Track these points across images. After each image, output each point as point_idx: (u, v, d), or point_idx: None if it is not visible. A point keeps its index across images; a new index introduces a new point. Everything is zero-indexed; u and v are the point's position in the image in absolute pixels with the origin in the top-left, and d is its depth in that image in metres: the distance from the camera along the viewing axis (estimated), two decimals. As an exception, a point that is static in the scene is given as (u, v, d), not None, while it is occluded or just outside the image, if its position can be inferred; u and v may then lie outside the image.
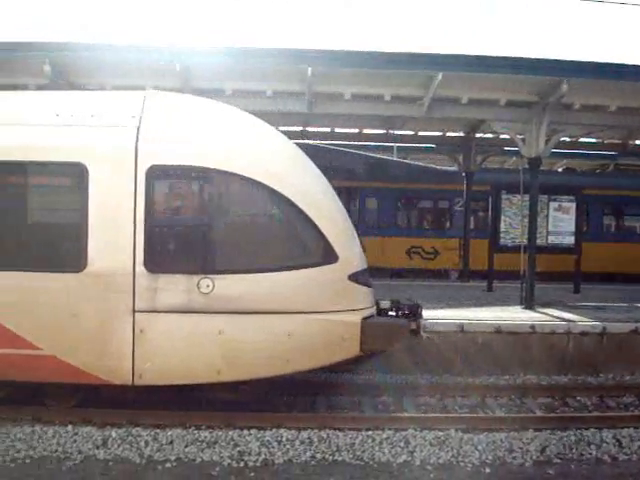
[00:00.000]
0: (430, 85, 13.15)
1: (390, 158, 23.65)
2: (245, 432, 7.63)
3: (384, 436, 7.59)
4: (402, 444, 7.38)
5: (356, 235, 8.65)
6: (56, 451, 7.08)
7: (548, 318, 12.44)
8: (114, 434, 7.46)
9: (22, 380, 8.23)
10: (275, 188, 8.06)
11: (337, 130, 19.66)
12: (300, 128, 18.28)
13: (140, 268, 7.85)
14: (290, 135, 14.56)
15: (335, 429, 7.79)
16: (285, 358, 8.07)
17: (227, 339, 7.98)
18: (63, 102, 8.72)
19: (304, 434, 7.60)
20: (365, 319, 8.27)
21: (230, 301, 7.94)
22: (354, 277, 8.31)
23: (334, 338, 8.20)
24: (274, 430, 7.70)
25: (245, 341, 8.01)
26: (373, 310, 8.59)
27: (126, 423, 7.90)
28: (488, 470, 6.78)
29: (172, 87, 13.02)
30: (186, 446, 7.26)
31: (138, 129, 8.05)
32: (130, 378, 8.00)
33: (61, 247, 8.15)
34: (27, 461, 6.89)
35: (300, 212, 8.08)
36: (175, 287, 7.91)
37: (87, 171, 7.85)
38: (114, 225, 7.90)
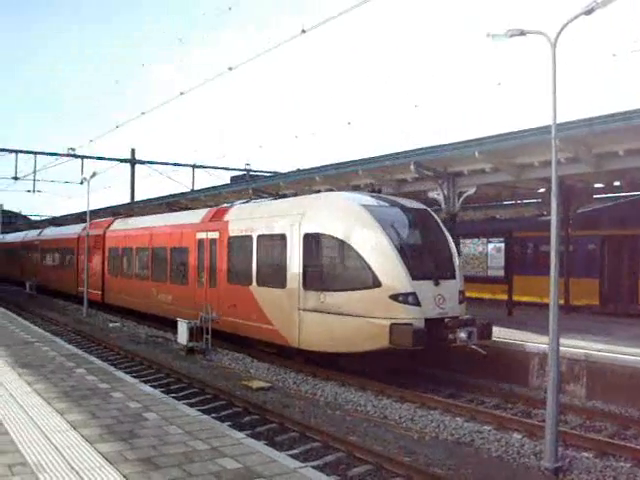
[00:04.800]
0: None
1: None
2: None
3: None
4: None
5: (404, 269, 13.81)
6: None
7: None
8: None
9: (266, 340, 17.22)
10: (350, 243, 14.48)
11: None
12: None
13: (301, 287, 15.54)
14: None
15: None
16: (349, 341, 14.24)
17: (329, 328, 14.68)
18: (284, 204, 17.80)
19: None
20: (393, 324, 13.30)
21: (332, 306, 14.57)
22: (394, 297, 13.61)
23: (374, 333, 13.61)
24: None
25: (335, 329, 14.53)
26: (410, 319, 13.44)
27: None
28: None
29: None
30: None
31: (302, 215, 15.86)
32: (297, 344, 15.71)
33: (278, 276, 16.48)
34: None
35: (361, 257, 14.23)
36: (312, 297, 15.20)
37: (286, 238, 16.26)
38: (293, 265, 15.89)
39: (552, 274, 9.41)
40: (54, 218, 56.12)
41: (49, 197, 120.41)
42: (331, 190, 21.60)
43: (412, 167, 18.26)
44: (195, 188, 40.66)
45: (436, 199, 19.34)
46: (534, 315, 19.46)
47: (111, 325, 25.85)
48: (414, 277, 13.89)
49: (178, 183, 45.05)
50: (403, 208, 15.75)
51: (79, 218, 41.16)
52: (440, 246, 15.48)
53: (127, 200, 44.02)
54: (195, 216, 22.36)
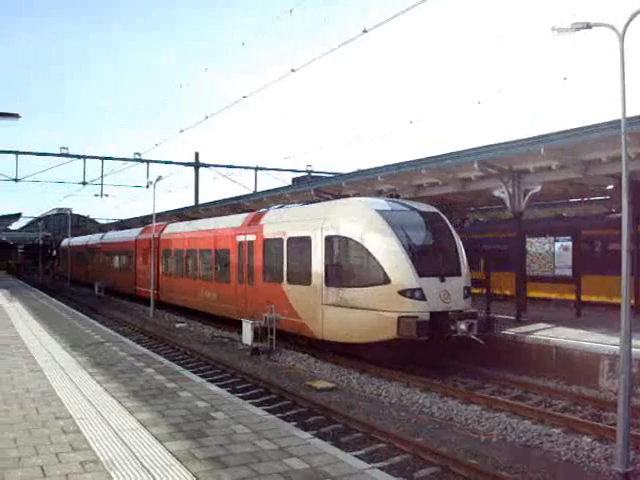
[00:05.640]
0: None
1: None
2: None
3: None
4: None
5: (411, 267, 15.24)
6: None
7: None
8: None
9: (295, 333, 18.77)
10: (363, 244, 15.98)
11: None
12: None
13: (324, 284, 17.06)
14: None
15: None
16: (363, 332, 15.78)
17: (346, 320, 16.24)
18: (309, 209, 19.56)
19: None
20: (401, 317, 14.77)
21: (349, 301, 16.13)
22: (402, 292, 15.08)
23: (384, 325, 15.07)
24: None
25: (351, 322, 16.11)
26: (416, 313, 14.86)
27: None
28: None
29: None
30: None
31: (324, 220, 17.45)
32: (322, 336, 17.26)
33: (304, 275, 18.02)
34: None
35: (372, 256, 15.72)
36: (331, 293, 16.76)
37: (310, 240, 17.80)
38: (317, 264, 17.43)
39: (624, 273, 9.16)
40: (121, 221, 57.44)
41: (116, 201, 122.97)
42: (393, 190, 21.59)
43: (476, 165, 18.05)
44: (257, 190, 41.02)
45: (501, 197, 19.05)
46: (603, 316, 18.98)
47: (177, 325, 26.33)
48: (421, 274, 15.32)
49: (241, 185, 45.50)
50: (415, 212, 17.17)
51: (142, 222, 42.19)
52: (447, 246, 16.79)
53: (192, 203, 44.74)
54: (236, 220, 24.34)
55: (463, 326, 15.01)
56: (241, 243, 22.72)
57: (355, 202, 17.96)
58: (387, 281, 15.32)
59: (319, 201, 20.44)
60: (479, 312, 16.27)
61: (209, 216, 31.58)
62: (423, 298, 15.14)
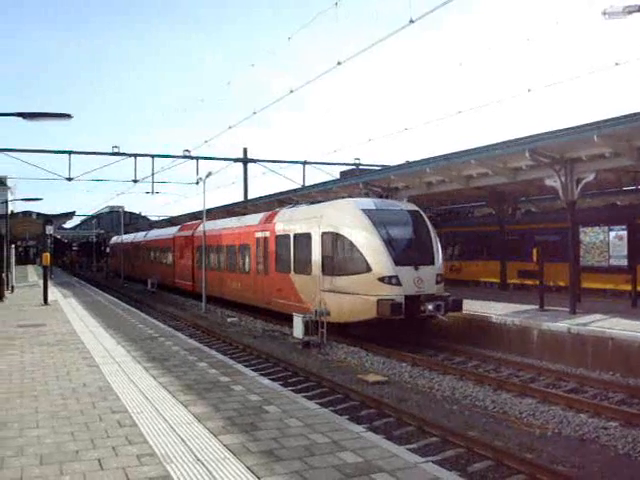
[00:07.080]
0: None
1: None
2: None
3: None
4: None
5: (389, 258, 17.95)
6: None
7: None
8: None
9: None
10: (350, 239, 18.79)
11: None
12: None
13: (321, 273, 19.95)
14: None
15: None
16: (351, 313, 18.56)
17: (339, 304, 18.82)
18: (310, 209, 22.07)
19: None
20: (379, 300, 17.36)
21: (339, 287, 18.95)
22: (381, 279, 17.81)
23: (366, 306, 17.73)
24: None
25: (342, 305, 18.72)
26: (393, 296, 17.47)
27: None
28: None
29: None
30: None
31: (320, 218, 20.28)
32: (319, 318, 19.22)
33: (307, 266, 20.97)
34: None
35: (357, 249, 18.52)
36: (328, 281, 19.53)
37: (311, 236, 20.72)
38: (316, 257, 20.32)
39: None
40: (171, 218, 58.18)
41: (166, 198, 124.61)
42: (443, 181, 21.54)
43: (527, 154, 17.74)
44: (305, 184, 41.06)
45: (553, 187, 18.71)
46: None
47: (229, 320, 26.55)
48: (397, 263, 18.04)
49: (289, 180, 45.53)
50: (397, 210, 19.98)
51: (194, 217, 42.73)
52: (423, 240, 19.49)
53: (241, 198, 45.02)
54: (255, 219, 27.41)
55: (430, 307, 17.75)
56: (258, 239, 25.80)
57: (345, 202, 20.78)
58: (369, 270, 18.11)
59: (323, 201, 22.95)
60: (450, 295, 18.69)
61: (256, 211, 31.96)
62: (399, 284, 17.81)
